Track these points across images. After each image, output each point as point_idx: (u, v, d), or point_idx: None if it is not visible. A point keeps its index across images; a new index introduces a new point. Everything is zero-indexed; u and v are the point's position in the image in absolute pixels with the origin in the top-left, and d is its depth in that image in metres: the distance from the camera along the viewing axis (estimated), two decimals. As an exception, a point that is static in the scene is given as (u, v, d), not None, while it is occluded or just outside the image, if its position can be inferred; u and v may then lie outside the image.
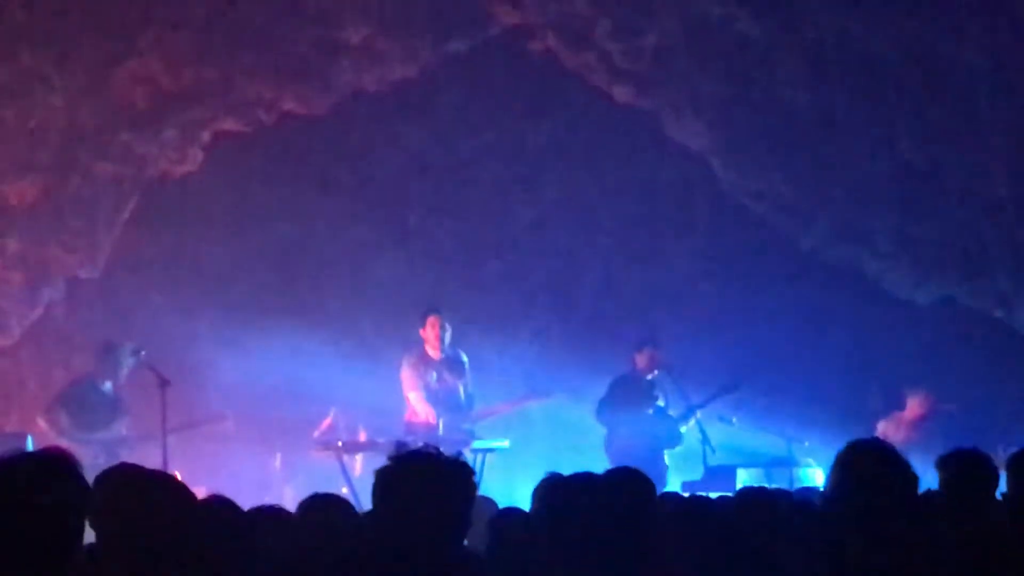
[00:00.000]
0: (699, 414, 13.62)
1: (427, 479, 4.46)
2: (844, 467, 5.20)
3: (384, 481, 4.50)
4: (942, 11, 13.04)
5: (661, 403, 13.85)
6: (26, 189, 13.46)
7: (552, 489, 5.46)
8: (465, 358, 13.36)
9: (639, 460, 11.96)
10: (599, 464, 11.40)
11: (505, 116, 15.77)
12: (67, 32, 13.02)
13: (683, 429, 13.69)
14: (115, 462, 5.13)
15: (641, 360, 13.90)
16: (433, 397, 13.05)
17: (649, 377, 13.88)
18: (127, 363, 12.79)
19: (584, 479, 5.50)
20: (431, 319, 13.23)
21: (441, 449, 4.66)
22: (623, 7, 13.49)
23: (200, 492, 5.37)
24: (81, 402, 12.75)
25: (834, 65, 13.41)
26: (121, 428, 12.83)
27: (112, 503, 4.51)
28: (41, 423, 12.74)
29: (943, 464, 6.18)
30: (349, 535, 5.38)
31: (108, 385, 12.88)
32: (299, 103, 14.20)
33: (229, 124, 14.18)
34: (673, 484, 12.89)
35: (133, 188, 14.25)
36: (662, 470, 13.30)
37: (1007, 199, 13.50)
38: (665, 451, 13.68)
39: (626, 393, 13.73)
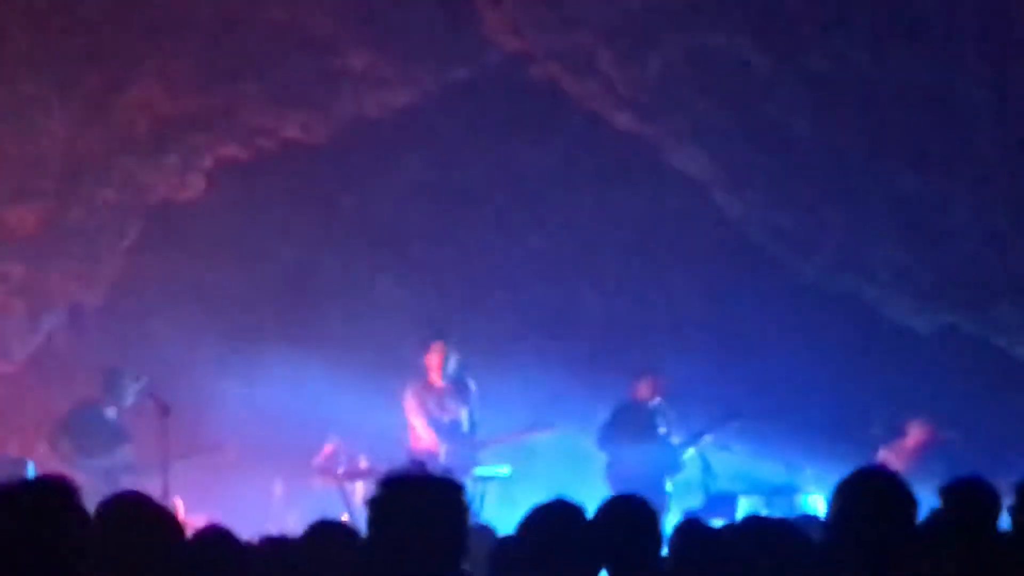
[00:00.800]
0: (704, 441, 13.61)
1: (415, 501, 4.47)
2: (849, 495, 5.19)
3: (374, 507, 4.52)
4: (943, 42, 13.05)
5: (663, 431, 13.83)
6: (28, 216, 13.47)
7: (553, 514, 5.44)
8: (473, 386, 13.33)
9: (640, 488, 11.97)
10: (601, 492, 11.38)
11: (507, 143, 15.76)
12: (68, 58, 13.03)
13: (684, 457, 13.68)
14: (116, 489, 5.12)
15: (642, 388, 13.90)
16: (436, 424, 13.04)
17: (650, 405, 13.88)
18: (131, 389, 12.78)
19: (582, 507, 5.49)
20: (434, 346, 13.22)
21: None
22: (625, 35, 13.49)
23: (200, 520, 5.37)
24: (84, 427, 12.73)
25: (836, 95, 13.41)
26: (123, 455, 12.81)
27: (110, 531, 4.50)
28: (43, 448, 12.72)
29: (945, 492, 6.17)
30: (353, 562, 5.38)
31: (111, 411, 12.88)
32: (300, 130, 14.21)
33: (231, 151, 14.19)
34: (674, 512, 12.87)
35: (135, 215, 14.26)
36: (664, 498, 13.28)
37: (1008, 228, 13.50)
38: (667, 479, 13.68)
39: (627, 421, 13.72)
